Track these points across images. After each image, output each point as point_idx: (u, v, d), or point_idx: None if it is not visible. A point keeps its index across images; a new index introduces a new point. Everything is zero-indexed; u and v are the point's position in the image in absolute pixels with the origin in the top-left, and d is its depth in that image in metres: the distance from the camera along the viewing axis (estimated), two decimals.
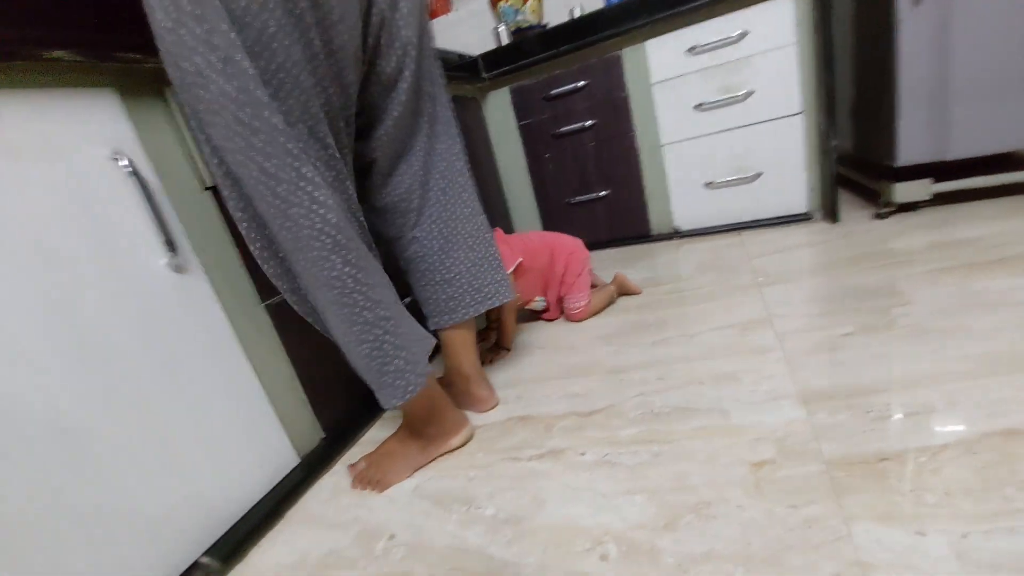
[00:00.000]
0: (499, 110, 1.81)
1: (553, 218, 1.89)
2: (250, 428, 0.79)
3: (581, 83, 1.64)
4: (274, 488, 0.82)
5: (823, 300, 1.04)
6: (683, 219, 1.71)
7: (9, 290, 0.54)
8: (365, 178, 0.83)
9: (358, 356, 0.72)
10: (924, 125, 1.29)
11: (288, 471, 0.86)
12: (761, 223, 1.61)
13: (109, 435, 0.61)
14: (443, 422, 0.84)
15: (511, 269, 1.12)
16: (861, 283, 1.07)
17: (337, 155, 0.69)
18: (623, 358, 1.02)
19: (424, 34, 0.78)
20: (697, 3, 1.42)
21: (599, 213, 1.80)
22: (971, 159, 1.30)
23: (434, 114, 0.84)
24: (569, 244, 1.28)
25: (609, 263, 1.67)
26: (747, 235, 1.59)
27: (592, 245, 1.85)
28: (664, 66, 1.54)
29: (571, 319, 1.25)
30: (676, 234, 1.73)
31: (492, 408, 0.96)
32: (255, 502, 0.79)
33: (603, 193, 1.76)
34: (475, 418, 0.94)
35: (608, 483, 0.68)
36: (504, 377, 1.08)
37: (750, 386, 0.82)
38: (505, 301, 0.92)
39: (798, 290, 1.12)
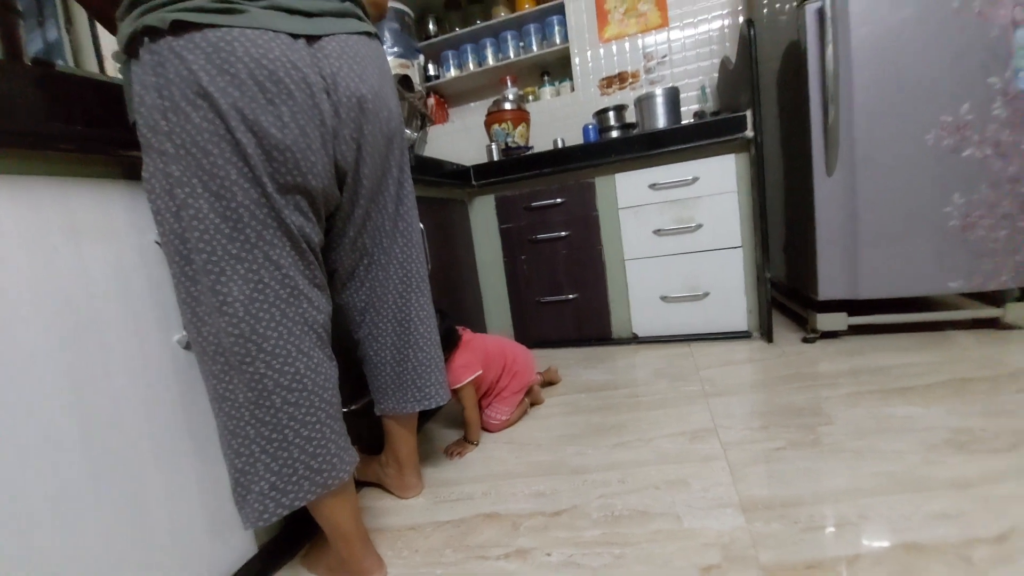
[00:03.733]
0: (483, 214, 2.01)
1: (524, 314, 2.03)
2: (214, 508, 0.79)
3: (559, 200, 1.88)
4: None
5: (761, 414, 1.18)
6: (641, 326, 1.88)
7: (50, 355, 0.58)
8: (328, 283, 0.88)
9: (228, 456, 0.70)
10: (839, 267, 1.55)
11: (247, 559, 0.84)
12: (708, 336, 1.80)
13: (95, 513, 0.62)
14: (353, 563, 0.80)
15: (469, 379, 1.20)
16: (792, 401, 1.22)
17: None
18: (586, 459, 1.09)
19: (390, 145, 0.84)
20: (659, 151, 1.72)
21: (566, 314, 1.96)
22: (880, 299, 1.56)
23: (398, 228, 0.90)
24: (521, 362, 1.35)
25: (572, 361, 1.79)
26: (696, 346, 1.77)
27: (558, 343, 1.99)
28: (630, 195, 1.80)
29: (486, 428, 1.30)
30: (635, 339, 1.90)
31: (417, 495, 1.04)
32: None
33: (571, 296, 1.93)
34: (443, 511, 0.97)
35: None
36: (471, 472, 1.12)
37: (699, 492, 0.91)
38: (442, 404, 0.99)
39: (740, 403, 1.26)
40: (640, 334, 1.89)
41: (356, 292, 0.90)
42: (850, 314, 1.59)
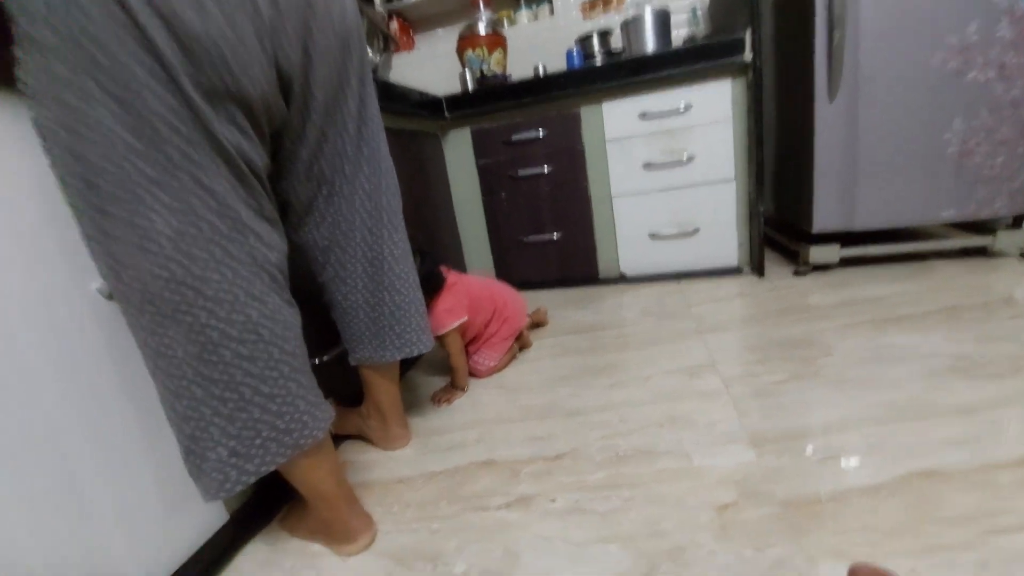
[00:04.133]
0: (459, 148, 1.84)
1: (505, 255, 1.92)
2: (166, 477, 0.68)
3: (540, 132, 1.73)
4: (199, 551, 0.72)
5: (758, 348, 1.14)
6: (629, 265, 1.81)
7: None
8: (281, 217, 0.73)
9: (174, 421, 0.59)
10: (835, 198, 1.49)
11: (216, 530, 0.75)
12: (698, 273, 1.75)
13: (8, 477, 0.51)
14: (337, 524, 0.72)
15: (454, 325, 1.10)
16: (789, 334, 1.19)
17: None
18: (581, 400, 1.04)
19: (343, 67, 0.70)
20: (650, 77, 1.58)
21: (550, 254, 1.86)
22: (874, 231, 1.52)
23: (362, 152, 0.76)
24: (512, 307, 1.26)
25: (558, 303, 1.72)
26: (686, 284, 1.72)
27: (541, 284, 1.90)
28: (618, 126, 1.67)
29: (473, 374, 1.22)
30: (622, 279, 1.83)
31: (404, 447, 0.97)
32: (175, 569, 0.68)
33: (555, 235, 1.83)
34: (434, 461, 0.91)
35: (581, 531, 0.68)
36: (462, 418, 1.05)
37: (704, 428, 0.87)
38: (424, 351, 0.90)
39: (736, 338, 1.21)
40: (628, 273, 1.82)
41: (316, 228, 0.77)
42: (842, 246, 1.56)
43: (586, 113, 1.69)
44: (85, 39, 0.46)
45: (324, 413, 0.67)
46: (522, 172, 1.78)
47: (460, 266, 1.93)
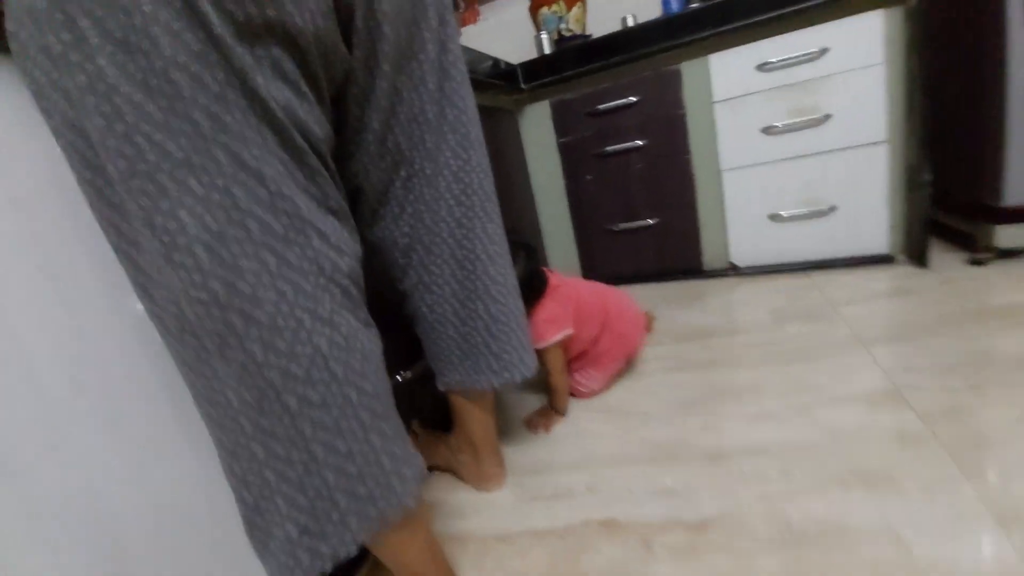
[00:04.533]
0: (537, 125, 1.63)
1: (592, 246, 1.70)
2: (228, 544, 0.56)
3: (632, 99, 1.47)
4: None
5: (957, 368, 0.84)
6: (741, 254, 1.52)
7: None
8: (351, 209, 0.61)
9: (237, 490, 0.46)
10: None
11: None
12: (834, 263, 1.43)
13: None
14: None
15: (556, 338, 0.91)
16: (1000, 347, 0.88)
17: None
18: (719, 437, 0.81)
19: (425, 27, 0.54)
20: (772, 14, 1.26)
21: (644, 243, 1.61)
22: None
23: (445, 116, 0.59)
24: (628, 320, 1.04)
25: (656, 300, 1.47)
26: (817, 277, 1.40)
27: (634, 277, 1.67)
28: (729, 83, 1.37)
29: (572, 393, 1.01)
30: (732, 270, 1.55)
31: (499, 488, 0.80)
32: None
33: (651, 221, 1.57)
34: (539, 514, 0.73)
35: None
36: (566, 453, 0.86)
37: (917, 495, 0.62)
38: (528, 376, 0.71)
39: (918, 352, 0.92)
40: (740, 264, 1.53)
41: (395, 222, 0.61)
42: None
43: (688, 70, 1.40)
44: None
45: (414, 471, 0.51)
46: (610, 148, 1.54)
47: (541, 261, 1.73)
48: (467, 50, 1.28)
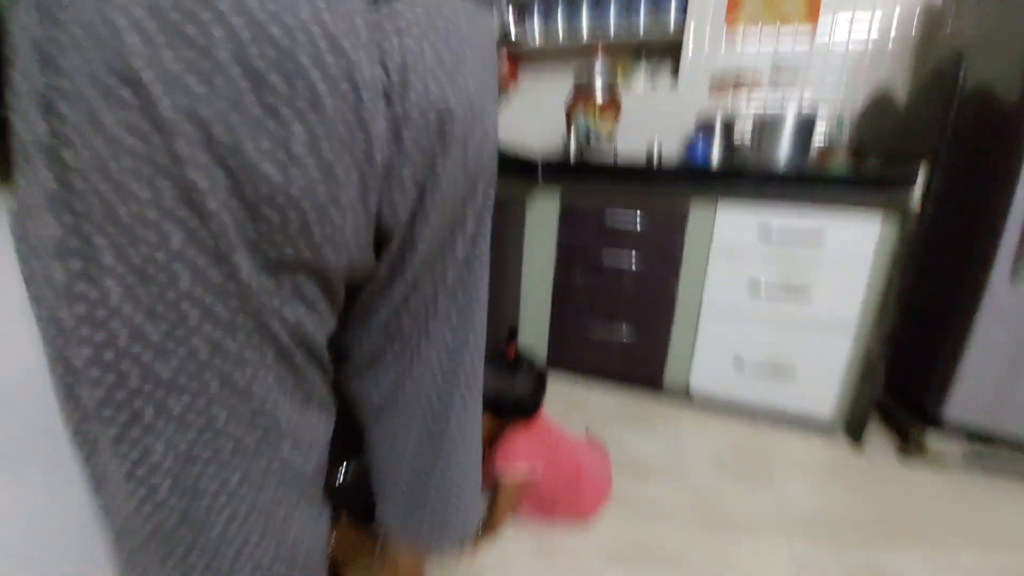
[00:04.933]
0: (543, 218, 1.69)
1: (564, 337, 1.75)
2: None
3: (638, 225, 1.55)
4: None
5: None
6: (700, 384, 1.60)
7: None
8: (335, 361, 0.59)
9: None
10: (981, 391, 1.24)
11: None
12: (780, 417, 1.52)
13: None
14: None
15: (522, 476, 0.93)
16: (910, 570, 0.95)
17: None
18: None
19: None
20: (784, 190, 1.37)
21: (614, 349, 1.68)
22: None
23: (455, 301, 0.59)
24: (588, 498, 1.03)
25: (612, 410, 1.53)
26: (764, 427, 1.49)
27: (595, 375, 1.72)
28: (730, 236, 1.46)
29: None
30: (687, 396, 1.62)
31: None
32: None
33: (625, 334, 1.64)
34: None
35: None
36: None
37: None
38: (464, 540, 0.71)
39: (833, 554, 0.99)
40: (697, 392, 1.61)
41: (374, 384, 0.62)
42: (968, 440, 1.29)
43: (696, 213, 1.50)
44: (104, 182, 0.30)
45: None
46: (607, 262, 1.61)
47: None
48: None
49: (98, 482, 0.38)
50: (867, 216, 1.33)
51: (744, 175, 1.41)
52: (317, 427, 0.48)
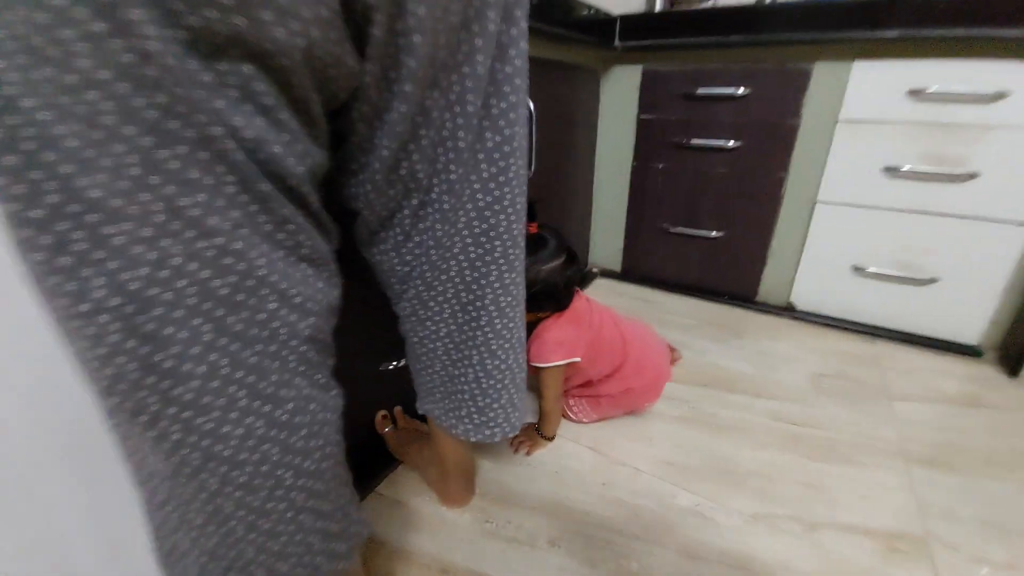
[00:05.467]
0: (620, 91, 1.42)
1: (640, 239, 1.54)
2: None
3: (740, 90, 1.24)
4: None
5: (1009, 535, 0.72)
6: (804, 297, 1.35)
7: None
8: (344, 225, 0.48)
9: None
10: None
11: None
12: (908, 338, 1.24)
13: None
14: None
15: (558, 363, 0.82)
16: None
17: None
18: (704, 531, 0.73)
19: None
20: (957, 32, 0.98)
21: (700, 254, 1.45)
22: None
23: (484, 141, 0.46)
24: (648, 376, 0.92)
25: (694, 323, 1.35)
26: (883, 347, 1.23)
27: (676, 286, 1.52)
28: (867, 101, 1.12)
29: (564, 415, 0.94)
30: (788, 311, 1.38)
31: (461, 508, 0.77)
32: None
33: (715, 233, 1.40)
34: (493, 555, 0.70)
35: None
36: (540, 488, 0.81)
37: None
38: (510, 435, 0.64)
39: (966, 495, 0.79)
40: (799, 306, 1.36)
41: (396, 250, 0.51)
42: None
43: (821, 72, 1.15)
44: None
45: (349, 544, 0.46)
46: (697, 141, 1.33)
47: (583, 246, 1.60)
48: None
49: (55, 319, 0.31)
50: None
51: (899, 8, 1.03)
52: (312, 286, 0.38)
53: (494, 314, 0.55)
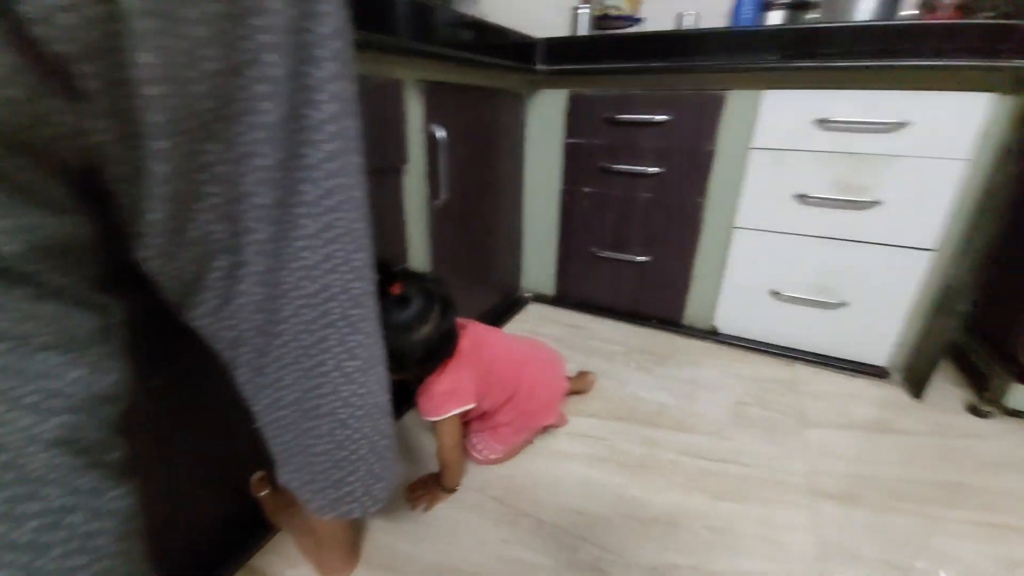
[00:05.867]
0: (547, 115, 1.39)
1: (571, 265, 1.52)
2: None
3: (660, 116, 1.23)
4: None
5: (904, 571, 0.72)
6: (727, 321, 1.35)
7: None
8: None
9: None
10: None
11: None
12: (822, 360, 1.26)
13: None
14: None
15: (452, 413, 0.77)
16: (955, 552, 0.75)
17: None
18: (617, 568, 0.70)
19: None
20: (863, 63, 1.00)
21: (627, 278, 1.44)
22: None
23: (299, 194, 0.40)
24: (541, 397, 0.90)
25: (621, 349, 1.33)
26: (800, 369, 1.25)
27: (606, 311, 1.51)
28: (777, 129, 1.14)
29: (470, 457, 0.90)
30: (713, 335, 1.38)
31: None
32: None
33: (641, 259, 1.38)
34: None
35: None
36: (434, 550, 0.75)
37: None
38: (372, 510, 0.57)
39: (869, 532, 0.79)
40: (722, 330, 1.37)
41: (214, 315, 0.44)
42: None
43: (735, 100, 1.16)
44: None
45: None
46: (620, 166, 1.32)
47: (514, 271, 1.56)
48: (473, 20, 1.03)
49: None
50: (969, 95, 0.97)
51: (803, 41, 1.04)
52: (61, 378, 0.32)
53: (339, 381, 0.49)
